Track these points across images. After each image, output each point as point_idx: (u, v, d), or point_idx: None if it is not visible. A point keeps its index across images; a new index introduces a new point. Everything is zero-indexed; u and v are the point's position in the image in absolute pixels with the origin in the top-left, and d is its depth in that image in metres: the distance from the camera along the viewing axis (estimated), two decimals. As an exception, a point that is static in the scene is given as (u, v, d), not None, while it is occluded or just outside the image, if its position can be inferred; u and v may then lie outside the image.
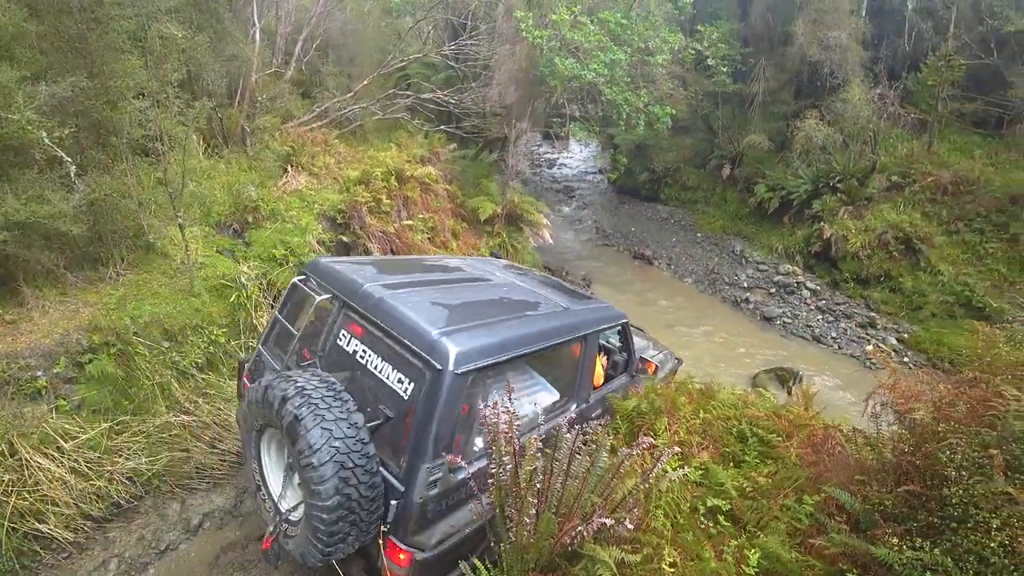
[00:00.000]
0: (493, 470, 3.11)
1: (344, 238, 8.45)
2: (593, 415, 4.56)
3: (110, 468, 5.00)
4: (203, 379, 6.12)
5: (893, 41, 13.18)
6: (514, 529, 3.07)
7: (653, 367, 6.18)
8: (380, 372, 3.37)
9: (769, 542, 3.48)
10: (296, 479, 3.26)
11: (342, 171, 9.60)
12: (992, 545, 2.71)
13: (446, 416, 3.15)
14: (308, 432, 2.93)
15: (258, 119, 9.62)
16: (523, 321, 3.91)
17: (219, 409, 6.05)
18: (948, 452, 3.10)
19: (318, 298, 3.81)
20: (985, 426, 3.16)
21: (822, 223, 12.88)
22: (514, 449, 3.06)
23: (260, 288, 7.05)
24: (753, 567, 3.32)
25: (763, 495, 4.07)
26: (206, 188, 7.61)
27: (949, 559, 2.78)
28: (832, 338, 11.50)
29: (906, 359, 10.85)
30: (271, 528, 3.35)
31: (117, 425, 5.21)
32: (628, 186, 18.30)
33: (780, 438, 4.75)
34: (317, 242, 8.20)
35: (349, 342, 3.59)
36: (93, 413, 5.13)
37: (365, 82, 12.07)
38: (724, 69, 12.49)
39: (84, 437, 4.93)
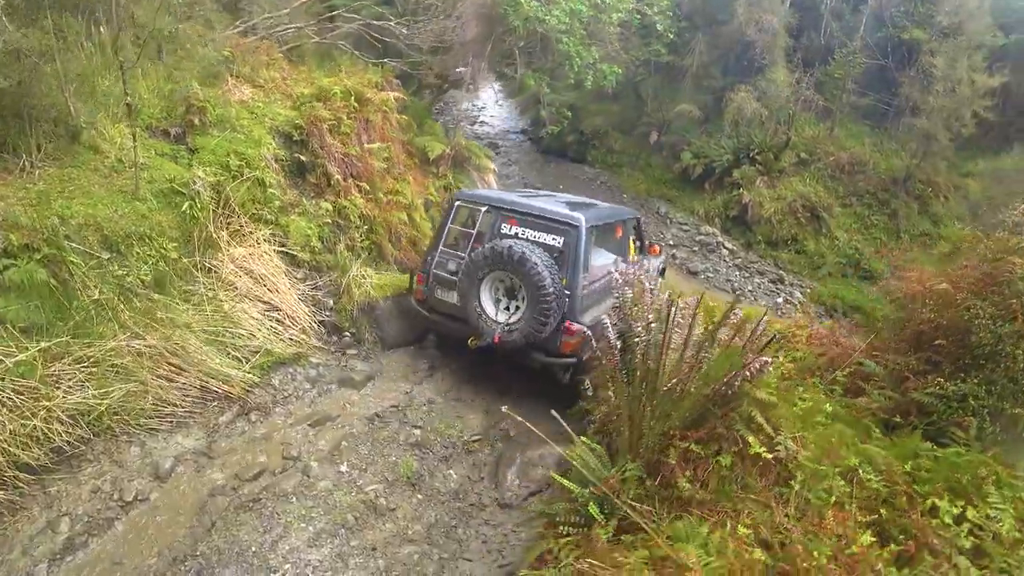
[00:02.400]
0: (638, 329, 3.51)
1: (302, 156, 7.04)
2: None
3: (47, 403, 3.60)
4: (155, 299, 4.71)
5: (810, 34, 13.59)
6: (667, 381, 3.30)
7: (657, 249, 8.06)
8: (537, 238, 5.28)
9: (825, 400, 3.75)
10: (513, 303, 5.15)
11: (291, 87, 8.03)
12: (1021, 367, 3.43)
13: (585, 251, 5.19)
14: (536, 264, 4.84)
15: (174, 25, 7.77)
16: (597, 208, 6.32)
17: (173, 338, 4.70)
18: (972, 308, 3.68)
19: (482, 209, 5.63)
20: (994, 292, 3.75)
21: (741, 190, 13.19)
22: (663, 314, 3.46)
23: (214, 200, 5.61)
24: (826, 414, 3.54)
25: (793, 377, 4.41)
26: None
27: (983, 388, 3.51)
28: (749, 291, 11.92)
29: (810, 310, 11.52)
30: (497, 331, 5.05)
31: (54, 347, 3.77)
32: (554, 147, 17.67)
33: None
34: (273, 159, 6.75)
35: (510, 229, 5.41)
36: (22, 333, 3.66)
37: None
38: (671, 35, 12.14)
39: (12, 361, 3.49)
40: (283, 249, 6.30)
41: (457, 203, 5.78)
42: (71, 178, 4.56)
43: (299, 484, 4.08)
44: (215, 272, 5.43)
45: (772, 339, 3.34)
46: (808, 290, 12.04)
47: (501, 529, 4.36)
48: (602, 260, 5.64)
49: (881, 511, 2.77)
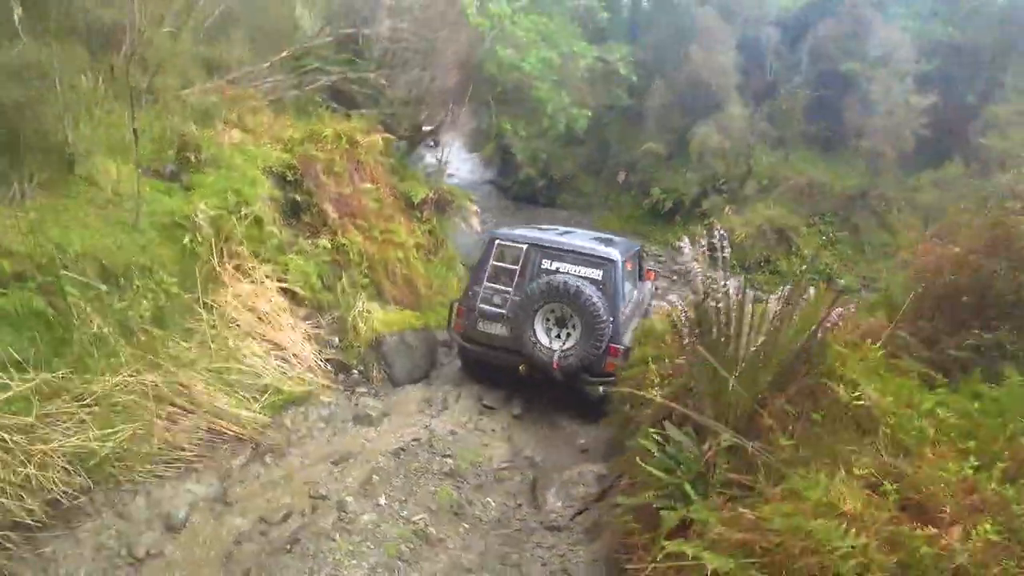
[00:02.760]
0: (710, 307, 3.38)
1: (297, 197, 6.79)
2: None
3: (44, 447, 3.09)
4: (155, 335, 4.26)
5: (756, 72, 14.48)
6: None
7: (652, 275, 8.71)
8: (579, 272, 5.62)
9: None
10: (565, 331, 5.48)
11: (279, 132, 7.88)
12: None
13: (621, 282, 5.76)
14: (591, 296, 5.27)
15: (156, 78, 7.66)
16: (619, 243, 6.60)
17: (178, 377, 4.24)
18: (987, 265, 3.85)
19: (523, 247, 5.90)
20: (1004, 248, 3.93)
21: (711, 219, 13.50)
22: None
23: (215, 235, 5.27)
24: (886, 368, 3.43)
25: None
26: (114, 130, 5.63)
27: (1014, 333, 3.65)
28: (732, 314, 11.94)
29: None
30: (556, 357, 5.34)
31: (51, 382, 3.29)
32: (524, 194, 17.91)
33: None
34: (268, 198, 6.48)
35: (551, 265, 5.74)
36: (16, 366, 3.18)
37: (284, 53, 10.33)
38: (633, 78, 12.68)
39: (4, 396, 3.00)
40: (284, 287, 5.93)
41: (497, 241, 6.04)
42: (66, 208, 4.17)
43: (338, 521, 3.59)
44: (217, 309, 5.01)
45: (841, 292, 3.21)
46: (789, 308, 12.17)
47: (556, 550, 3.95)
48: (627, 287, 6.16)
49: (970, 443, 2.67)
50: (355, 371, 5.93)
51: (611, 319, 5.30)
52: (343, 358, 5.94)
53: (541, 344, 5.39)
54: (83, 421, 3.34)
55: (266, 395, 4.84)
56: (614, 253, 5.74)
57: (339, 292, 6.39)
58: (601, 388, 5.37)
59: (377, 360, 6.14)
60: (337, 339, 5.99)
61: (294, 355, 5.45)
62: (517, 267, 5.78)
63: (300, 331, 5.72)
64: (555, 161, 16.67)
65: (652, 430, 3.40)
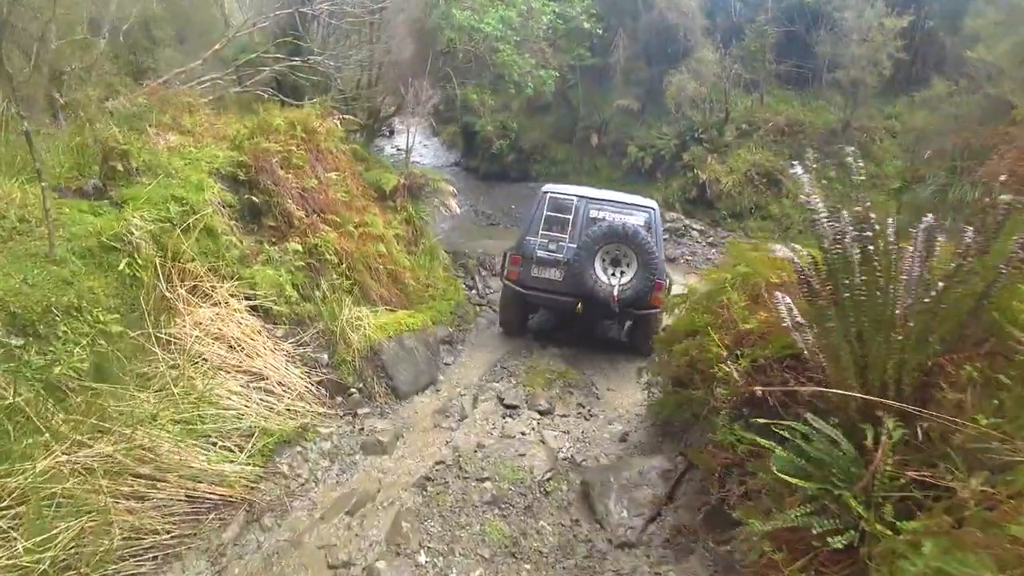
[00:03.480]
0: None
1: (254, 198, 5.75)
2: None
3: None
4: (98, 391, 3.28)
5: (720, 15, 13.67)
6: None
7: None
8: (623, 219, 6.14)
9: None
10: (619, 269, 6.00)
11: (222, 130, 6.76)
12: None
13: (660, 226, 6.50)
14: (646, 237, 5.94)
15: (75, 91, 6.48)
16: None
17: (136, 439, 3.28)
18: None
19: (574, 198, 6.42)
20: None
21: (694, 171, 12.82)
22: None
23: (160, 255, 4.25)
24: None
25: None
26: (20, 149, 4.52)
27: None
28: (732, 268, 11.39)
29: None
30: (615, 291, 5.81)
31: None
32: (493, 171, 16.96)
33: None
34: (220, 204, 5.45)
35: (598, 213, 6.28)
36: None
37: (217, 47, 9.09)
38: (598, 32, 11.73)
39: None
40: (254, 305, 4.95)
41: (549, 195, 6.50)
42: (-52, 247, 3.15)
43: (370, 597, 2.76)
44: (176, 344, 4.03)
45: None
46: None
47: (640, 573, 3.19)
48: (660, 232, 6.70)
49: None
50: (353, 389, 5.02)
51: (661, 256, 6.15)
52: (337, 376, 5.02)
53: (601, 281, 5.84)
54: (4, 532, 2.40)
55: (252, 440, 3.91)
56: (653, 203, 6.58)
57: (320, 300, 5.43)
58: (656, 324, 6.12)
59: (376, 372, 5.24)
60: (326, 355, 5.05)
61: (279, 384, 4.51)
62: (570, 216, 6.31)
63: (281, 354, 4.76)
64: (522, 132, 15.75)
65: (761, 420, 2.62)
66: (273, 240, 5.81)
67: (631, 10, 13.20)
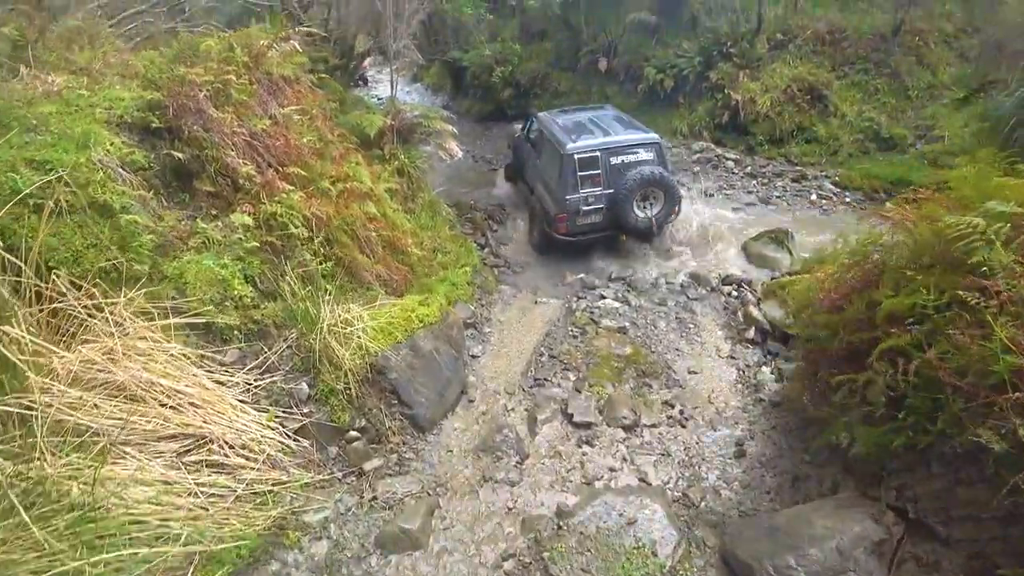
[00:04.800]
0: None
1: (177, 153, 3.75)
2: None
3: None
4: None
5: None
6: None
7: None
8: (637, 157, 6.62)
9: None
10: (648, 203, 6.55)
11: (137, 61, 4.64)
12: None
13: (666, 156, 6.85)
14: (669, 178, 6.51)
15: None
16: (638, 124, 7.41)
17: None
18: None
19: (597, 153, 6.60)
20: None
21: (725, 91, 10.67)
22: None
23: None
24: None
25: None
26: None
27: None
28: (777, 197, 9.51)
29: (847, 198, 9.41)
30: (652, 221, 6.46)
31: None
32: (488, 111, 14.62)
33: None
34: (121, 165, 3.47)
35: (617, 159, 6.61)
36: None
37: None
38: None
39: None
40: (186, 321, 3.07)
41: (576, 156, 6.54)
42: None
43: None
44: (36, 418, 2.19)
45: None
46: (836, 178, 9.75)
47: None
48: None
49: None
50: (353, 431, 3.23)
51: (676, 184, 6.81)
52: (326, 414, 3.22)
53: (639, 217, 6.45)
54: None
55: (191, 570, 2.15)
56: (653, 134, 6.91)
57: (289, 296, 3.55)
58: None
59: (384, 399, 3.43)
60: (306, 384, 3.23)
61: (231, 447, 2.71)
62: (599, 171, 6.55)
63: (234, 393, 2.94)
64: (518, 64, 13.34)
65: None
66: (213, 213, 3.87)
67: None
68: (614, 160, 6.52)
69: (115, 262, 3.04)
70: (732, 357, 4.91)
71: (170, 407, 2.67)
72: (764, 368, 4.69)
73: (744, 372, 4.67)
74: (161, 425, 2.61)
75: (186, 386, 2.76)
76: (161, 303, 3.03)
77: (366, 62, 14.34)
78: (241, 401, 2.96)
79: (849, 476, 2.78)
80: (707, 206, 9.67)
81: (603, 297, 5.57)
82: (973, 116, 9.73)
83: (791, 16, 11.35)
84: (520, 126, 9.86)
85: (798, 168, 10.24)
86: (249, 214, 3.69)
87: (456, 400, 3.90)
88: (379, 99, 19.61)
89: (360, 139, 6.95)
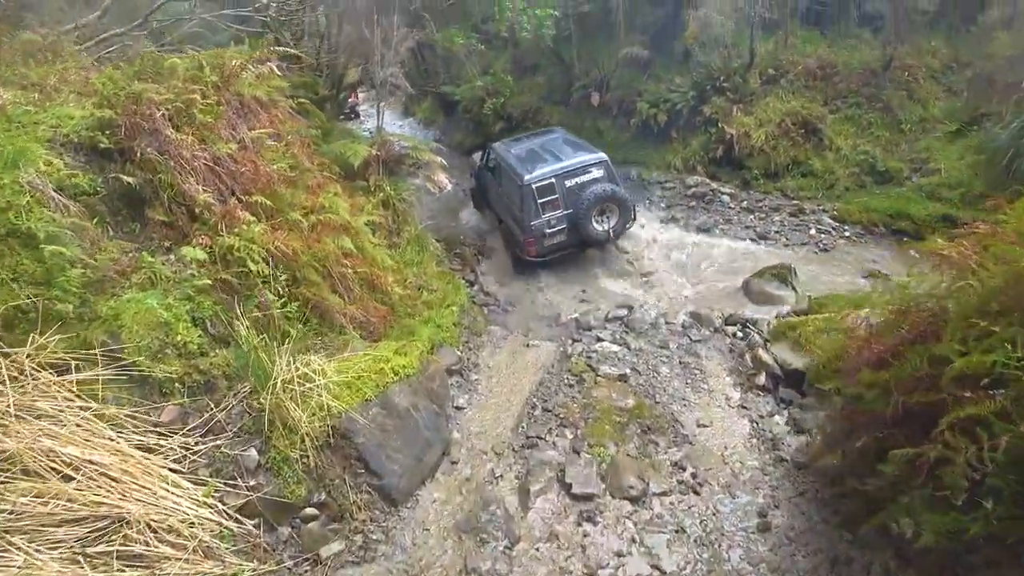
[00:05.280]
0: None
1: (127, 177, 3.30)
2: None
3: None
4: None
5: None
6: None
7: None
8: (589, 176, 7.14)
9: None
10: (607, 217, 7.05)
11: (96, 78, 4.23)
12: None
13: (615, 175, 7.28)
14: (621, 193, 7.05)
15: None
16: (586, 145, 8.01)
17: None
18: None
19: (552, 179, 7.05)
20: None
21: (719, 126, 10.50)
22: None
23: None
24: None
25: None
26: None
27: None
28: (775, 232, 9.24)
29: (847, 232, 9.17)
30: (611, 233, 7.06)
31: None
32: (479, 144, 14.32)
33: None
34: (56, 189, 3.01)
35: (571, 181, 7.08)
36: None
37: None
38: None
39: None
40: (114, 373, 2.56)
41: (533, 185, 6.95)
42: None
43: None
44: None
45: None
46: (834, 211, 9.51)
47: None
48: None
49: None
50: (308, 508, 2.69)
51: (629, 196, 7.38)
52: (276, 488, 2.68)
53: (597, 230, 7.00)
54: None
55: None
56: (601, 154, 7.40)
57: (243, 341, 3.05)
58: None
59: (348, 468, 2.90)
60: (255, 450, 2.70)
61: (146, 529, 2.17)
62: (557, 195, 6.99)
63: (161, 462, 2.41)
64: (510, 97, 13.19)
65: None
66: (166, 245, 3.40)
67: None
68: (569, 183, 7.05)
69: (34, 299, 2.55)
70: (743, 406, 4.43)
71: (78, 482, 2.14)
72: (777, 418, 4.23)
73: (758, 424, 4.19)
74: (63, 506, 2.08)
75: (101, 455, 2.23)
76: (87, 351, 2.53)
77: (359, 96, 14.07)
78: (174, 471, 2.43)
79: (907, 566, 2.28)
80: (703, 239, 9.44)
81: (600, 339, 5.09)
82: (968, 148, 9.61)
83: (782, 51, 11.31)
84: (479, 155, 10.19)
85: (795, 202, 10.00)
86: (205, 247, 3.22)
87: (437, 463, 3.38)
88: (370, 132, 19.34)
89: (344, 170, 6.57)
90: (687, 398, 4.51)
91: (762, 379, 4.64)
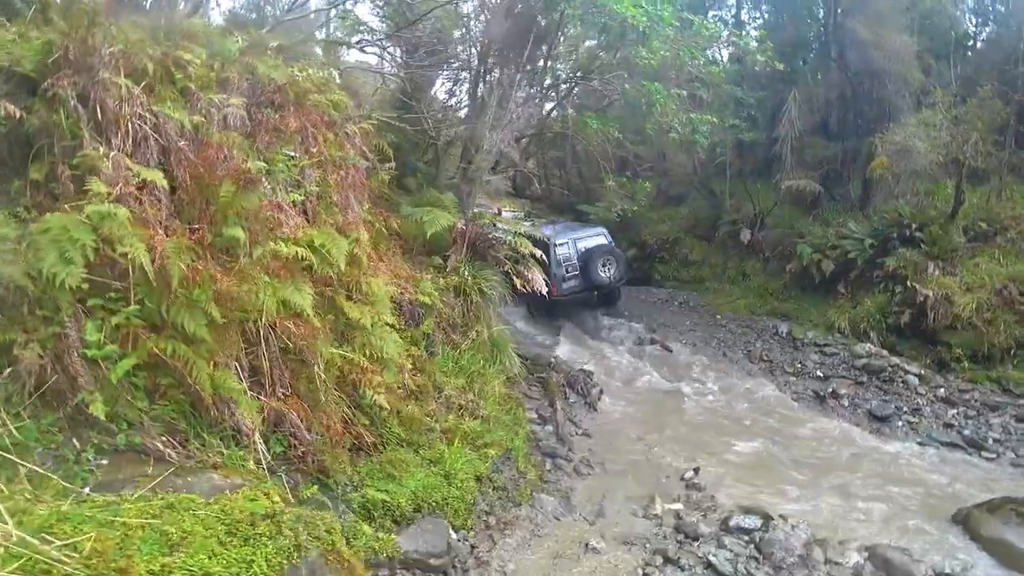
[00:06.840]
0: None
1: (30, 117, 2.16)
2: None
3: None
4: None
5: (936, 65, 9.30)
6: None
7: None
8: (595, 242, 9.36)
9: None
10: (603, 268, 9.05)
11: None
12: None
13: (616, 246, 9.75)
14: (617, 250, 9.57)
15: None
16: (589, 226, 10.28)
17: None
18: None
19: (568, 241, 9.37)
20: None
21: (907, 284, 7.94)
22: None
23: None
24: None
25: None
26: None
27: None
28: (995, 441, 6.23)
29: None
30: (612, 283, 9.27)
31: None
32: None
33: None
34: None
35: (580, 244, 9.30)
36: None
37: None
38: (779, 66, 7.92)
39: None
40: None
41: (555, 246, 8.79)
42: None
43: None
44: None
45: None
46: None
47: None
48: None
49: None
50: None
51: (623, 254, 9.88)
52: None
53: (602, 277, 8.98)
54: None
55: None
56: (601, 228, 9.83)
57: None
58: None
59: None
60: None
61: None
62: (571, 252, 9.11)
63: None
64: (647, 225, 11.81)
65: None
66: (31, 216, 2.12)
67: (815, 49, 9.28)
68: (579, 245, 9.22)
69: None
70: None
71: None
72: None
73: None
74: None
75: None
76: None
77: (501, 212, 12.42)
78: None
79: None
80: (876, 437, 6.59)
81: (709, 564, 2.77)
82: None
83: (995, 204, 8.68)
84: None
85: (1023, 402, 6.89)
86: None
87: None
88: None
89: (415, 241, 5.36)
90: None
91: None
